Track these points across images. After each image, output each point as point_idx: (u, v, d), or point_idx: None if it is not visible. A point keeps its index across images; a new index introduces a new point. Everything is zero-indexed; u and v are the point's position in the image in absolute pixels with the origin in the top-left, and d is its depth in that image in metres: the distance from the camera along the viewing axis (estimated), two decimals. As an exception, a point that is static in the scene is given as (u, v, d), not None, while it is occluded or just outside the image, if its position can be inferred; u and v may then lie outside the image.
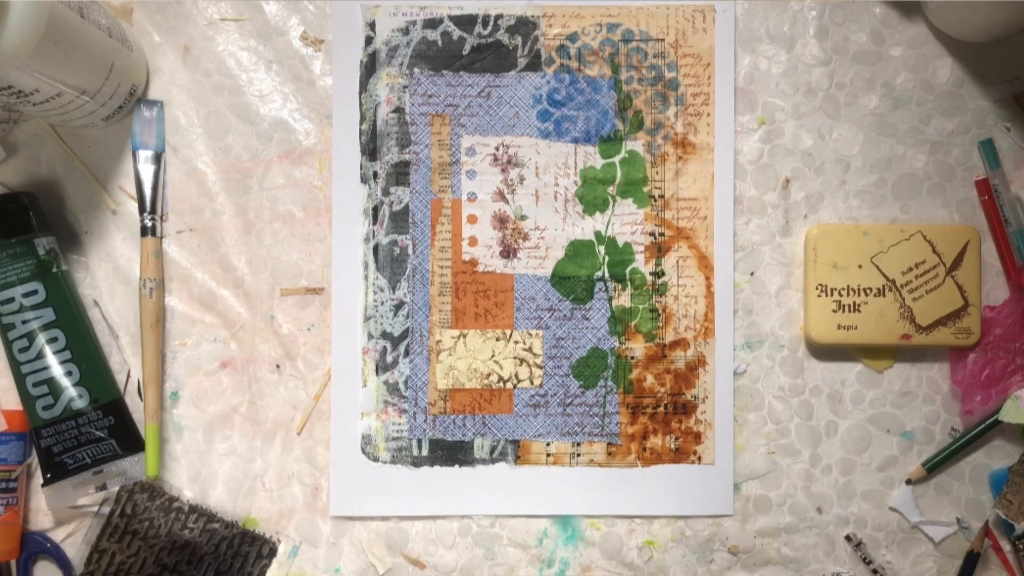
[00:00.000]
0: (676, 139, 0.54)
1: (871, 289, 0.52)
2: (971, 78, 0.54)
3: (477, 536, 0.54)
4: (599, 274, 0.54)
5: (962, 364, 0.53)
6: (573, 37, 0.54)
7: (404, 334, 0.54)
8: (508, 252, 0.54)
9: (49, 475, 0.51)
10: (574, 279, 0.54)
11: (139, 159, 0.54)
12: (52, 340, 0.51)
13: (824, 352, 0.54)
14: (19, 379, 0.51)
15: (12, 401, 0.53)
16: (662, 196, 0.54)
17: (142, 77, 0.54)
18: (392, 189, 0.54)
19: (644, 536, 0.54)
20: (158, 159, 0.54)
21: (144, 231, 0.53)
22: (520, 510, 0.54)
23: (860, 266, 0.52)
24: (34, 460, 0.53)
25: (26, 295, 0.51)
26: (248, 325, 0.54)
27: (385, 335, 0.54)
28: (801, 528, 0.54)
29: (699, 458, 0.54)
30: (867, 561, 0.54)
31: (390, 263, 0.54)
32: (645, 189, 0.54)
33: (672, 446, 0.54)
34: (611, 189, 0.54)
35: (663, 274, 0.54)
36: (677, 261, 0.54)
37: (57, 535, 0.53)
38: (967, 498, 0.54)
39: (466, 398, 0.54)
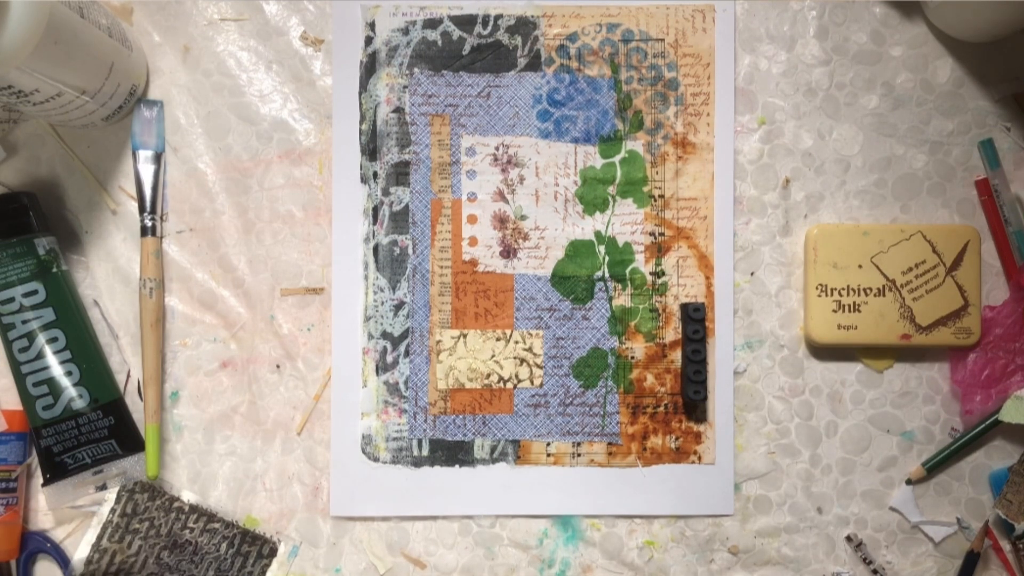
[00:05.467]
0: (676, 139, 0.54)
1: (871, 289, 0.52)
2: (971, 78, 0.54)
3: (477, 536, 0.54)
4: (599, 274, 0.54)
5: (962, 364, 0.53)
6: (573, 37, 0.54)
7: (404, 334, 0.54)
8: (508, 252, 0.54)
9: (49, 475, 0.51)
10: (574, 279, 0.54)
11: (139, 159, 0.54)
12: (52, 340, 0.51)
13: (824, 352, 0.54)
14: (19, 379, 0.51)
15: (12, 401, 0.53)
16: (662, 196, 0.54)
17: (142, 77, 0.54)
18: (392, 189, 0.54)
19: (644, 536, 0.54)
20: (158, 159, 0.54)
21: (144, 231, 0.53)
22: (520, 510, 0.54)
23: (860, 266, 0.52)
24: (34, 460, 0.53)
25: (26, 295, 0.51)
26: (248, 325, 0.54)
27: (385, 335, 0.54)
28: (801, 528, 0.54)
29: (699, 458, 0.54)
30: (867, 561, 0.54)
31: (390, 263, 0.54)
32: (645, 189, 0.54)
33: (672, 446, 0.54)
34: (611, 189, 0.54)
35: (663, 274, 0.54)
36: (677, 261, 0.54)
37: (57, 535, 0.53)
38: (967, 498, 0.54)
39: (466, 398, 0.54)
